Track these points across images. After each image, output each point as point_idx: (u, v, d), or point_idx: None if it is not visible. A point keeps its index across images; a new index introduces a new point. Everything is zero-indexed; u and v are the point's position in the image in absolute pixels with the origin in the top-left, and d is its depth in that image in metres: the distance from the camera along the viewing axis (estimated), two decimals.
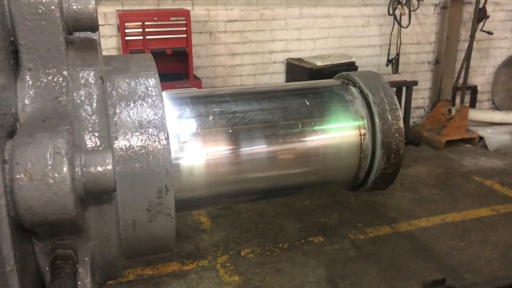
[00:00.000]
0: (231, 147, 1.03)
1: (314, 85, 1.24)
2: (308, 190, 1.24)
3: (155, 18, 5.63)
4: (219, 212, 5.13)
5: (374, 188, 1.18)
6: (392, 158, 1.11)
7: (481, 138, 7.23)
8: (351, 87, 1.17)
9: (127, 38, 5.55)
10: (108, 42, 5.96)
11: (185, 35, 5.75)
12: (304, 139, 1.08)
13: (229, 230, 4.83)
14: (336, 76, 1.25)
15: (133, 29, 5.57)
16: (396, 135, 1.10)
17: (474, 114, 7.46)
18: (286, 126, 1.07)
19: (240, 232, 4.80)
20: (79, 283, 0.84)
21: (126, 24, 5.54)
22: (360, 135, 1.11)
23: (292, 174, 1.11)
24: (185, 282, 4.02)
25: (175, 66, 5.93)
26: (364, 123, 1.11)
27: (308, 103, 1.11)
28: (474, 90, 8.10)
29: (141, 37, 5.58)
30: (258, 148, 1.05)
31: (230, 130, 1.03)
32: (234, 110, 1.05)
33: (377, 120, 1.09)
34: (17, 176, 0.67)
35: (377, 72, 6.29)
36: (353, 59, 6.75)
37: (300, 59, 6.75)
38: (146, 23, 5.58)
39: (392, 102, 1.11)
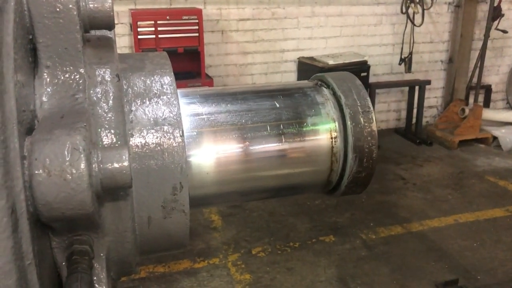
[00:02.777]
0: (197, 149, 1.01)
1: (286, 86, 1.21)
2: (278, 194, 1.20)
3: (168, 17, 5.66)
4: (230, 210, 5.14)
5: (348, 192, 1.16)
6: (365, 161, 1.08)
7: (495, 138, 7.14)
8: (324, 88, 1.14)
9: (139, 36, 5.59)
10: (121, 41, 6.01)
11: (197, 34, 5.77)
12: (271, 142, 1.05)
13: (240, 228, 4.84)
14: (312, 77, 1.22)
15: (146, 28, 5.61)
16: (369, 138, 1.07)
17: (488, 114, 7.38)
18: (253, 129, 1.04)
19: (251, 230, 4.81)
20: (95, 278, 0.85)
21: (138, 23, 5.58)
22: (331, 138, 1.08)
23: (259, 178, 1.09)
24: (196, 280, 4.04)
25: (187, 64, 5.95)
26: (335, 125, 1.08)
27: (277, 105, 1.08)
28: (488, 90, 8.01)
29: (153, 36, 5.62)
30: (223, 152, 1.03)
31: (195, 133, 1.01)
32: (200, 112, 1.04)
33: (348, 122, 1.06)
34: (36, 172, 0.68)
35: (390, 71, 6.22)
36: (365, 58, 6.72)
37: (312, 58, 6.74)
38: (158, 22, 5.62)
39: (365, 104, 1.08)
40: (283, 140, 1.06)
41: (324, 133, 1.09)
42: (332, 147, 1.08)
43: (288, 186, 1.14)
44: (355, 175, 1.09)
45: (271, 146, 1.05)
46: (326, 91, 1.13)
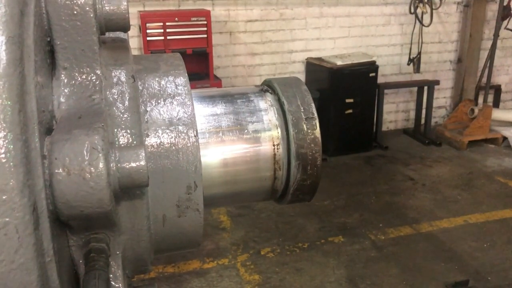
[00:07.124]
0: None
1: (229, 92, 1.17)
2: (221, 202, 1.18)
3: (176, 19, 5.69)
4: (239, 211, 5.16)
5: (296, 200, 1.14)
6: (309, 169, 1.06)
7: (504, 138, 7.09)
8: (269, 94, 1.11)
9: (148, 38, 5.62)
10: (130, 42, 6.03)
11: (205, 35, 5.79)
12: (209, 150, 1.02)
13: (249, 229, 4.85)
14: (262, 82, 1.20)
15: (155, 30, 5.64)
16: (312, 145, 1.04)
17: (498, 114, 7.32)
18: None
19: (260, 231, 4.82)
20: (111, 275, 0.86)
21: (147, 24, 5.61)
22: (274, 145, 1.06)
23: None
24: (206, 280, 4.05)
25: (195, 66, 5.98)
26: (278, 132, 1.06)
27: (218, 112, 1.06)
28: (497, 90, 7.95)
29: (162, 38, 5.65)
30: None
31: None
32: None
33: (291, 129, 1.04)
34: (56, 171, 0.69)
35: (398, 71, 6.18)
36: (373, 58, 6.70)
37: (320, 59, 6.73)
38: (167, 23, 5.64)
39: (309, 110, 1.05)
40: (224, 147, 1.03)
41: (266, 140, 1.06)
42: (275, 154, 1.06)
43: (231, 194, 1.12)
44: (300, 182, 1.07)
45: (209, 154, 1.02)
46: (270, 96, 1.11)
